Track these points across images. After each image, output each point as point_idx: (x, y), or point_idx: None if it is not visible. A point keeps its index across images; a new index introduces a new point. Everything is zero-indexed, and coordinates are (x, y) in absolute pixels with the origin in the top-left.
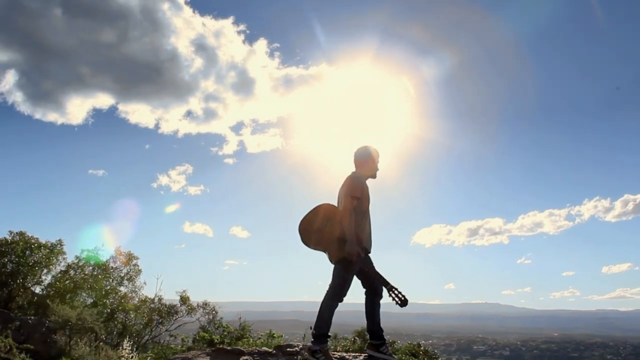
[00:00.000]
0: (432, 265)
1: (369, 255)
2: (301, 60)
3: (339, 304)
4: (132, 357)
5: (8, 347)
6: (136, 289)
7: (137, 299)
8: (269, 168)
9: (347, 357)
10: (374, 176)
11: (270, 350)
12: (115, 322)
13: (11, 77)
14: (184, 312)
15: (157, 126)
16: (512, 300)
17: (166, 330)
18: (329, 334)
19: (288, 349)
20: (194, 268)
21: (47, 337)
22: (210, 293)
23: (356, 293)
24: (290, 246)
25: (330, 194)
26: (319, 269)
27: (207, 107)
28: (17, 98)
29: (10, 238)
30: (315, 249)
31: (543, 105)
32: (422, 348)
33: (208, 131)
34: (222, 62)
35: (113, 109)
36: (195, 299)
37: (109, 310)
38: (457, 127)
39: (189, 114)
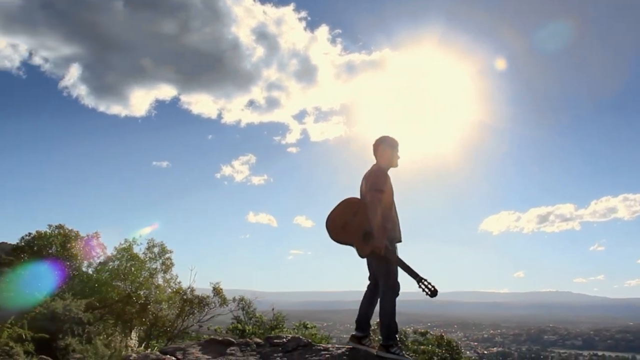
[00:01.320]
0: (501, 254)
1: (399, 244)
2: (364, 46)
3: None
4: (137, 346)
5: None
6: (169, 281)
7: (169, 290)
8: (333, 156)
9: (330, 347)
10: (395, 165)
11: (260, 341)
12: (149, 313)
13: (75, 70)
14: (217, 303)
15: (219, 116)
16: (585, 289)
17: (198, 321)
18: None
19: (275, 340)
20: (259, 258)
21: (79, 327)
22: (275, 283)
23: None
24: None
25: (394, 181)
26: None
27: (270, 96)
28: (82, 91)
29: (50, 231)
30: (343, 244)
31: (621, 90)
32: (445, 339)
33: (271, 120)
34: (284, 50)
35: (176, 100)
36: (260, 288)
37: (142, 301)
38: (522, 113)
39: (251, 103)
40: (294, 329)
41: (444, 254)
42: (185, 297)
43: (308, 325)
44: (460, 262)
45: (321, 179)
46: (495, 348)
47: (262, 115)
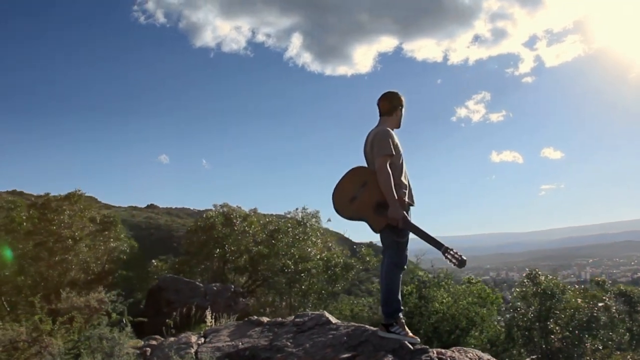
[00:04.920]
0: None
1: (412, 209)
2: None
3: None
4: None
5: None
6: (321, 248)
7: (319, 256)
8: (574, 79)
9: (340, 327)
10: (399, 126)
11: (285, 320)
12: (300, 283)
13: (297, 40)
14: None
15: (445, 58)
16: None
17: (352, 285)
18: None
19: (297, 320)
20: (507, 198)
21: (231, 301)
22: (528, 222)
23: None
24: (619, 158)
25: None
26: None
27: (495, 28)
28: (306, 59)
29: (215, 210)
30: (354, 220)
31: None
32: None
33: (499, 53)
34: None
35: (398, 50)
36: (512, 229)
37: (292, 269)
38: None
39: (476, 38)
40: (463, 284)
41: None
42: (329, 263)
43: (472, 280)
44: None
45: (566, 105)
46: None
47: (490, 49)
